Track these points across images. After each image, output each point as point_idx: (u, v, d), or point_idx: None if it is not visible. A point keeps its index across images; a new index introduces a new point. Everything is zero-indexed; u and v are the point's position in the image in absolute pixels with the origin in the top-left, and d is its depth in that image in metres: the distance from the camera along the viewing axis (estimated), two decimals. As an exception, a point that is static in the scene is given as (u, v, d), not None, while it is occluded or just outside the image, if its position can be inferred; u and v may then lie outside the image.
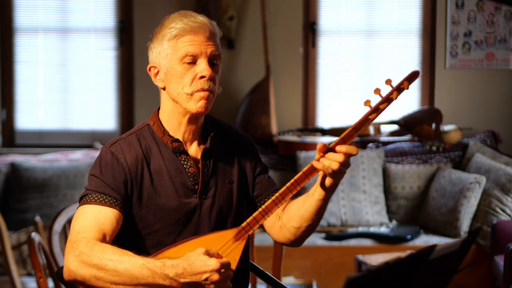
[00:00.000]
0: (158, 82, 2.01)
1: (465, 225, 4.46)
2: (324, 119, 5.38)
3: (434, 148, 4.94)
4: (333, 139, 5.07)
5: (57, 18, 5.39)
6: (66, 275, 1.85)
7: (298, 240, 2.04)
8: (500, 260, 4.04)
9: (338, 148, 1.83)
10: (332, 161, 1.81)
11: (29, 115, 5.44)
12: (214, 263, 1.73)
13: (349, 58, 5.37)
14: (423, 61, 5.30)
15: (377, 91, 1.85)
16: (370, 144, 5.06)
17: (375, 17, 5.35)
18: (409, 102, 5.31)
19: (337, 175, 1.84)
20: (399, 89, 1.86)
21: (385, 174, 4.86)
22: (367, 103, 1.85)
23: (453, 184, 4.59)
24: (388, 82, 1.86)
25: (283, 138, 5.05)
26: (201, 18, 1.97)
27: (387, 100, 1.85)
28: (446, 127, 5.02)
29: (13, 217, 4.72)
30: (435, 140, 4.99)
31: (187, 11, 2.01)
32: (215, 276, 1.73)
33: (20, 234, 4.18)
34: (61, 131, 5.43)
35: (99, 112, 5.42)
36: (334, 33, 5.35)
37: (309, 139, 5.10)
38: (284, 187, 1.89)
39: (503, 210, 4.44)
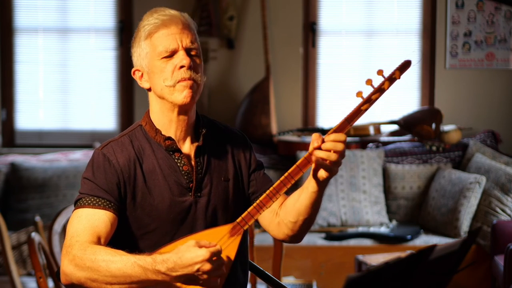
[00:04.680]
0: (144, 83, 2.03)
1: (465, 225, 4.46)
2: (324, 119, 5.38)
3: (434, 148, 4.94)
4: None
5: (57, 18, 5.39)
6: (62, 279, 1.86)
7: (296, 236, 2.02)
8: (500, 260, 4.05)
9: (326, 137, 1.82)
10: (328, 152, 1.80)
11: (29, 115, 5.44)
12: (203, 253, 1.72)
13: (349, 58, 5.37)
14: (423, 61, 5.31)
15: (368, 81, 1.83)
16: (370, 144, 5.06)
17: (375, 17, 5.35)
18: (409, 102, 5.31)
19: (334, 167, 1.82)
20: (391, 79, 1.84)
21: (385, 174, 4.86)
22: (359, 94, 1.84)
23: (453, 184, 4.59)
24: (380, 72, 1.84)
25: (283, 138, 5.05)
26: (172, 11, 2.00)
27: (379, 90, 1.83)
28: (446, 127, 5.02)
29: (13, 217, 4.72)
30: (435, 140, 4.99)
31: (158, 7, 2.03)
32: (207, 266, 1.73)
33: (20, 234, 4.18)
34: (61, 131, 5.43)
35: (99, 112, 5.42)
36: (334, 33, 5.35)
37: (309, 139, 5.10)
38: (278, 181, 1.88)
39: (503, 210, 4.45)
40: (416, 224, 4.69)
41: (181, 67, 1.95)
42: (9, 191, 4.83)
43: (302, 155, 4.83)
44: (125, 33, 5.34)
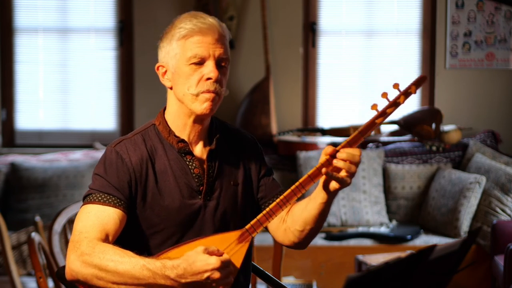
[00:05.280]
0: (166, 81, 2.01)
1: (465, 225, 4.46)
2: (324, 119, 5.38)
3: (434, 148, 4.94)
4: (333, 139, 5.08)
5: (57, 18, 5.39)
6: (68, 275, 1.85)
7: (302, 243, 2.03)
8: (500, 260, 4.05)
9: (342, 150, 1.82)
10: (346, 163, 1.81)
11: (29, 115, 5.44)
12: (214, 262, 1.74)
13: (349, 58, 5.37)
14: (423, 61, 5.31)
15: (384, 95, 1.85)
16: (370, 144, 5.06)
17: (375, 17, 5.35)
18: (409, 102, 5.30)
19: (349, 178, 1.83)
20: (407, 93, 1.87)
21: (385, 174, 4.86)
22: (374, 107, 1.85)
23: (453, 184, 4.59)
24: (396, 86, 1.86)
25: (283, 138, 5.05)
26: (211, 20, 1.96)
27: (394, 104, 1.86)
28: (446, 127, 5.02)
29: (13, 217, 4.72)
30: (435, 140, 4.99)
31: (198, 12, 2.00)
32: (216, 274, 1.74)
33: (20, 234, 4.18)
34: (61, 131, 5.43)
35: (99, 112, 5.42)
36: (334, 33, 5.35)
37: (309, 139, 5.10)
38: (289, 190, 1.88)
39: (503, 210, 4.44)
40: (416, 224, 4.69)
41: (208, 78, 1.94)
42: (9, 191, 4.83)
43: (302, 155, 4.85)
44: (125, 33, 5.34)
